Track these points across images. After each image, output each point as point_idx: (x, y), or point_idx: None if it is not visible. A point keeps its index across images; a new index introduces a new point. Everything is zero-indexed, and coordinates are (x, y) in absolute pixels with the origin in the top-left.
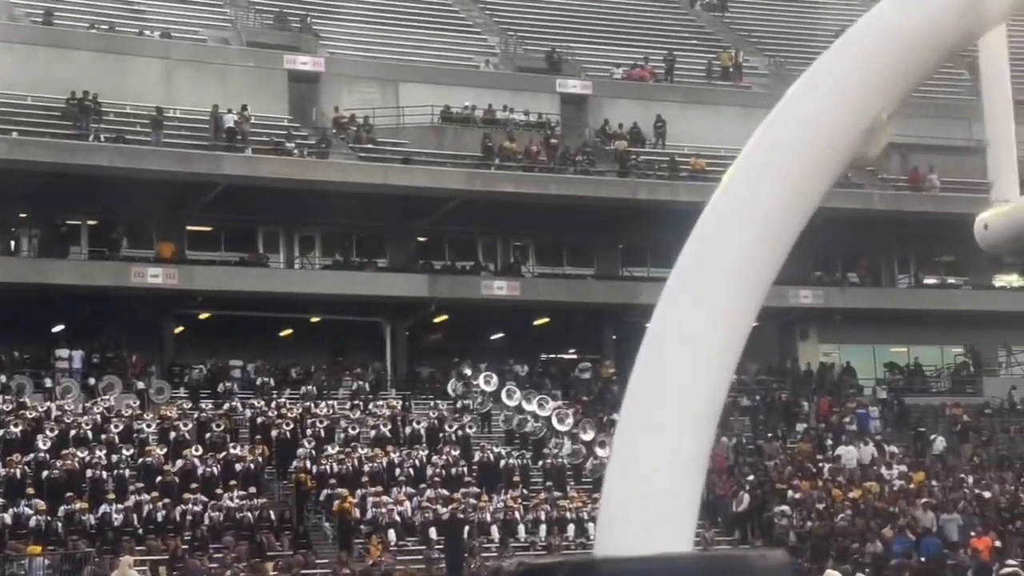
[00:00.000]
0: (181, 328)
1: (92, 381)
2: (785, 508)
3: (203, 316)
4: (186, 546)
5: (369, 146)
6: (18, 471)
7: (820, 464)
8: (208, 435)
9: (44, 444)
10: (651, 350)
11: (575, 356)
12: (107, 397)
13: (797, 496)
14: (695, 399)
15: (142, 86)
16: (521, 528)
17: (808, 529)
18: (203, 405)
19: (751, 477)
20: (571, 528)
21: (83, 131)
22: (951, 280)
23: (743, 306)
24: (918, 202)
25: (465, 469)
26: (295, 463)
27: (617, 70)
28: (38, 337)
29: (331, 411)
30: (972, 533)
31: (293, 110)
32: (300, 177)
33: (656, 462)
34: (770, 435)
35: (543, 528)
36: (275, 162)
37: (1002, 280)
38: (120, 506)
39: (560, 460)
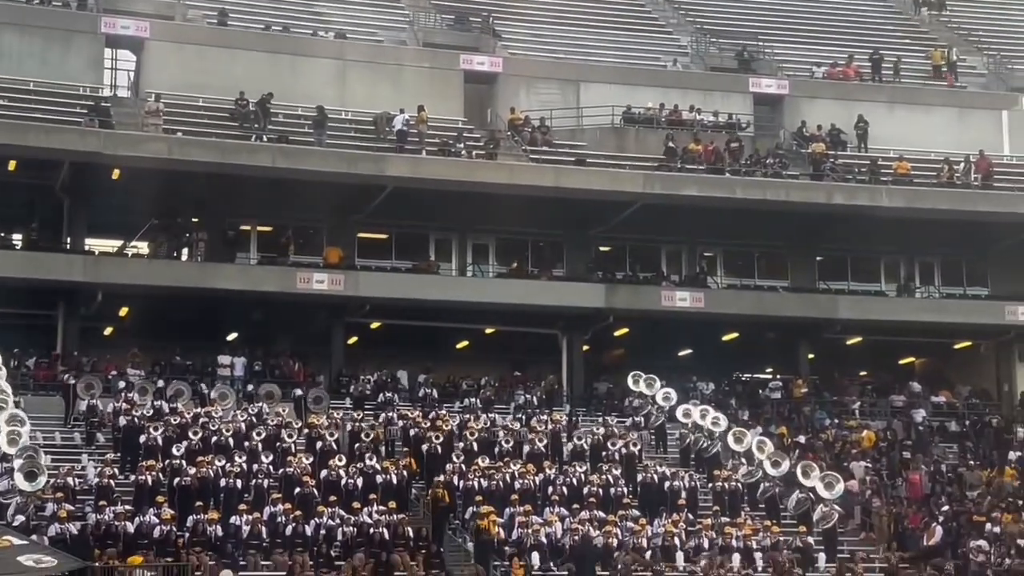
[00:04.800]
0: (354, 339)
1: (251, 389)
2: (982, 543)
3: (375, 326)
4: (312, 562)
5: (544, 148)
6: (150, 478)
7: None
8: (357, 446)
9: (178, 451)
10: None
11: (770, 375)
12: (258, 405)
13: (997, 530)
14: None
15: (314, 87)
16: (680, 556)
17: (1007, 567)
18: (356, 415)
19: (946, 508)
20: (736, 557)
21: (250, 132)
22: None
23: None
24: None
25: (626, 489)
26: (441, 477)
27: (818, 69)
28: (205, 343)
29: (489, 424)
30: None
31: (468, 112)
32: (467, 179)
33: None
34: (972, 462)
35: (704, 556)
36: (441, 163)
37: None
38: (249, 517)
39: (734, 483)
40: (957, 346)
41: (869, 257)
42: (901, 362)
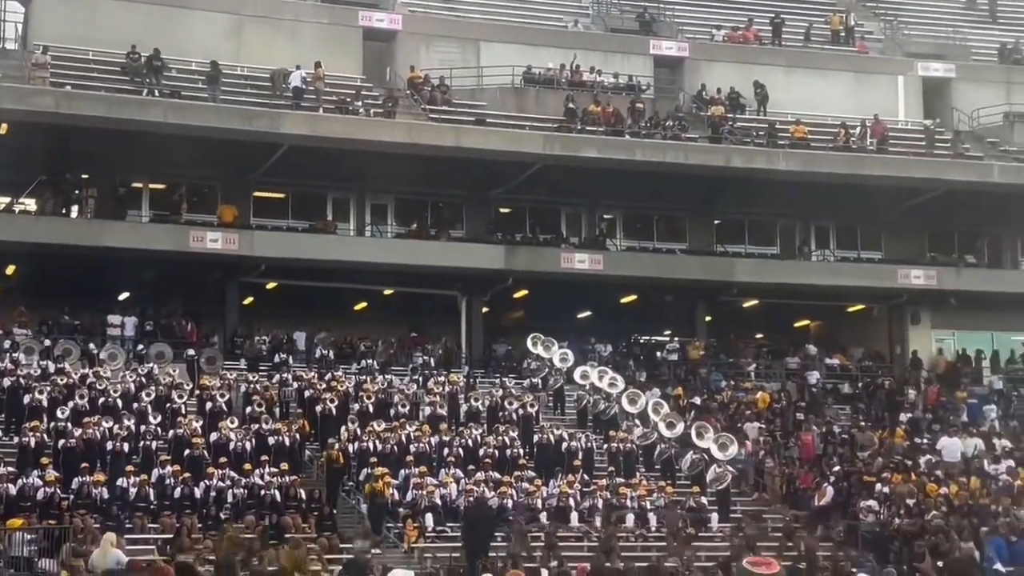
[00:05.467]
0: (250, 299)
1: (142, 349)
2: (872, 503)
3: (271, 286)
4: (201, 524)
5: (444, 107)
6: (34, 439)
7: (917, 457)
8: (248, 408)
9: (63, 412)
10: None
11: (668, 337)
12: (149, 365)
13: (886, 490)
14: None
15: (209, 42)
16: (574, 516)
17: (897, 526)
18: (250, 377)
19: (836, 468)
20: (630, 518)
21: (142, 87)
22: None
23: None
24: None
25: (522, 451)
26: (336, 439)
27: (718, 32)
28: (95, 303)
29: (385, 386)
30: None
31: (367, 70)
32: (365, 138)
33: None
34: (862, 423)
35: (598, 517)
36: (338, 121)
37: None
38: (136, 479)
39: (630, 444)
40: (851, 309)
41: (766, 221)
42: (796, 325)
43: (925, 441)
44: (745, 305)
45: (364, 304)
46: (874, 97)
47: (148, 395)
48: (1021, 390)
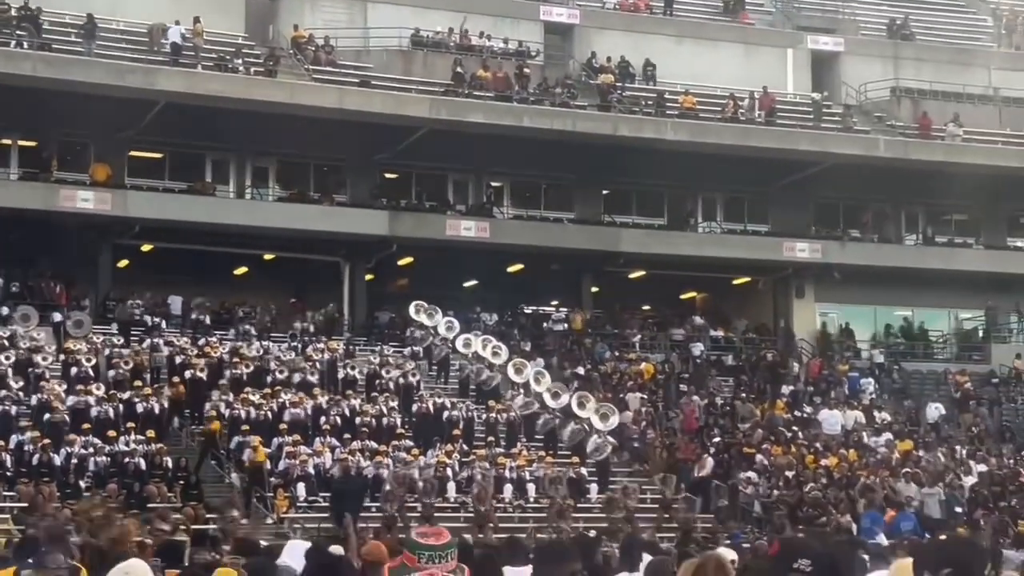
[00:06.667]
0: (125, 262)
1: (6, 311)
2: (752, 474)
3: (146, 248)
4: (60, 493)
5: (328, 68)
6: None
7: (796, 429)
8: (113, 373)
9: None
10: None
11: (555, 307)
12: (12, 328)
13: (766, 462)
14: None
15: None
16: (452, 486)
17: (775, 498)
18: (116, 341)
19: (717, 439)
20: (508, 488)
21: (11, 39)
22: (963, 240)
23: None
24: (928, 151)
25: (400, 420)
26: (208, 406)
27: (609, 0)
28: None
29: (262, 352)
30: (957, 509)
31: (250, 28)
32: (245, 97)
33: None
34: (744, 395)
35: (475, 487)
36: (217, 79)
37: (1018, 241)
38: None
39: (511, 414)
40: (736, 281)
41: (654, 191)
42: (682, 296)
43: (806, 413)
44: (632, 276)
45: (244, 269)
46: (763, 69)
47: (8, 358)
48: (901, 364)
